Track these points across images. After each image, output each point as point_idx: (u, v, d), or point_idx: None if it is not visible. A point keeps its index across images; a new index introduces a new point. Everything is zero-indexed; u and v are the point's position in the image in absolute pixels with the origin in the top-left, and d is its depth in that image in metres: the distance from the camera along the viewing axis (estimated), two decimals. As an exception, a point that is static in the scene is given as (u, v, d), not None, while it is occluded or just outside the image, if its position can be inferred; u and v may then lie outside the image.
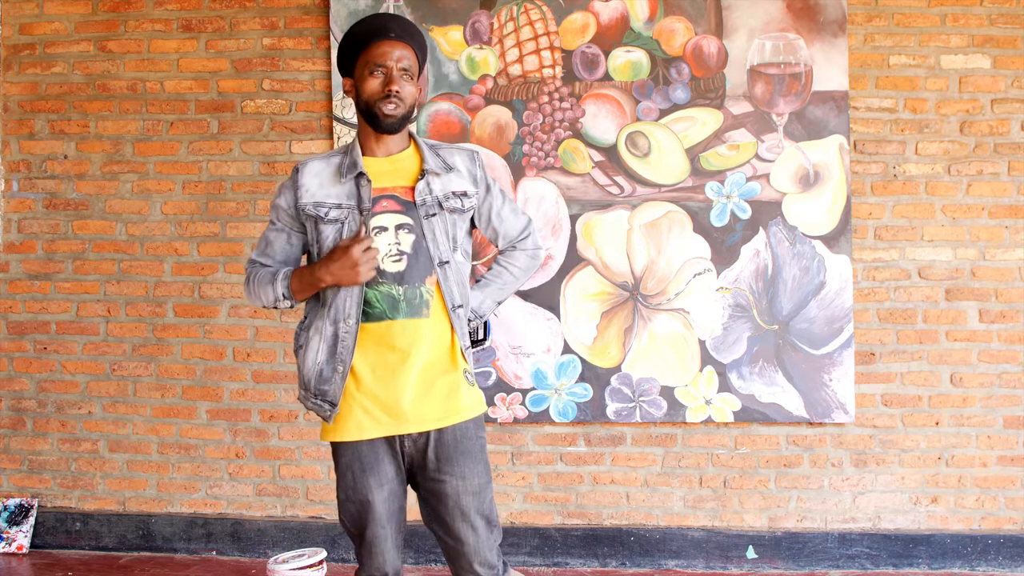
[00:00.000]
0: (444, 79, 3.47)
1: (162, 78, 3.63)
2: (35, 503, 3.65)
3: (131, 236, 3.65)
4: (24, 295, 3.69)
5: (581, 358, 3.45)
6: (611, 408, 3.45)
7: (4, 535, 3.59)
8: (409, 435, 2.06)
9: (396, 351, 2.04)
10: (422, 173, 2.09)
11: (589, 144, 3.45)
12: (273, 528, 3.56)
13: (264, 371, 3.59)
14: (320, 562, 3.14)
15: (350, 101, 3.49)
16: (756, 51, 3.41)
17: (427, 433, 2.06)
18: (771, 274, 3.42)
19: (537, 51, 3.46)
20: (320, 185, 2.10)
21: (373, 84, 2.06)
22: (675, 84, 3.44)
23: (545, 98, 3.46)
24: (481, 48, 3.47)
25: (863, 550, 3.41)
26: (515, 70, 3.47)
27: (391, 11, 3.48)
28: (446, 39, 3.48)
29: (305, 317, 2.16)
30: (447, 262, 2.08)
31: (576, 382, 3.45)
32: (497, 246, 2.29)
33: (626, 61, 3.45)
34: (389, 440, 2.07)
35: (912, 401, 3.44)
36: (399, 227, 2.07)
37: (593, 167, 3.45)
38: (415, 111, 2.13)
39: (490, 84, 3.47)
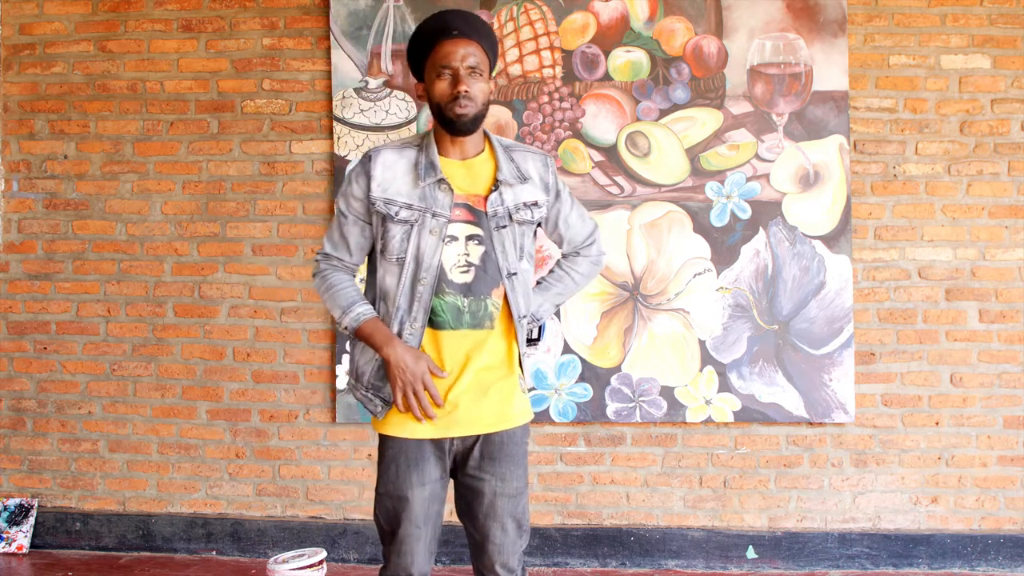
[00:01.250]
0: (444, 79, 3.47)
1: (162, 78, 3.63)
2: (35, 503, 3.65)
3: (131, 236, 3.65)
4: (24, 295, 3.69)
5: (581, 358, 3.45)
6: (611, 408, 3.45)
7: (4, 535, 3.59)
8: (459, 436, 2.07)
9: (454, 359, 2.04)
10: (496, 183, 2.05)
11: (589, 144, 3.45)
12: (273, 528, 3.56)
13: (264, 371, 3.59)
14: (320, 562, 3.14)
15: (351, 101, 3.49)
16: (756, 51, 3.41)
17: (477, 435, 2.07)
18: (771, 274, 3.42)
19: (537, 51, 3.46)
20: (392, 179, 2.04)
21: (441, 86, 2.00)
22: (675, 84, 3.44)
23: (545, 98, 3.46)
24: (481, 48, 3.47)
25: (863, 550, 3.41)
26: (515, 70, 3.47)
27: (391, 11, 3.48)
28: (446, 39, 3.47)
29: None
30: (515, 273, 2.06)
31: (576, 382, 3.45)
32: (561, 249, 2.28)
33: (626, 61, 3.45)
34: (438, 441, 2.06)
35: (912, 401, 3.44)
36: (469, 238, 2.04)
37: (593, 167, 3.45)
38: (488, 109, 2.06)
39: (490, 84, 3.47)
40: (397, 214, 2.02)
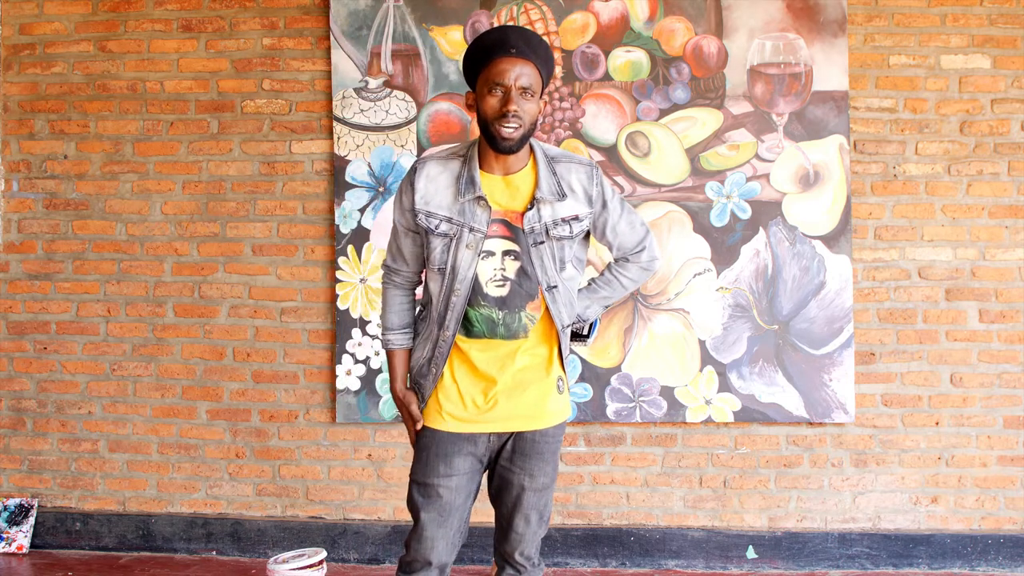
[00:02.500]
0: (444, 79, 3.47)
1: (162, 78, 3.63)
2: (35, 503, 3.65)
3: (131, 236, 3.65)
4: (24, 295, 3.69)
5: (581, 358, 3.45)
6: (611, 408, 3.45)
7: (4, 535, 3.59)
8: (495, 432, 2.14)
9: (492, 363, 2.10)
10: (533, 201, 2.07)
11: (589, 144, 3.45)
12: (273, 528, 3.56)
13: (264, 371, 3.59)
14: (320, 562, 3.14)
15: (351, 101, 3.49)
16: (756, 51, 3.41)
17: (512, 432, 2.14)
18: (771, 274, 3.42)
19: (537, 51, 3.45)
20: (435, 192, 2.08)
21: (491, 103, 2.01)
22: (675, 84, 3.44)
23: (545, 98, 3.45)
24: (481, 48, 3.47)
25: (863, 550, 3.41)
26: (515, 70, 3.46)
27: (391, 11, 3.48)
28: (446, 39, 3.48)
29: (424, 307, 2.21)
30: (555, 286, 2.10)
31: (576, 382, 3.45)
32: (612, 254, 2.29)
33: (626, 61, 3.45)
34: (471, 436, 2.12)
35: (912, 401, 3.44)
36: (506, 253, 2.08)
37: (593, 167, 3.45)
38: (535, 128, 2.08)
39: (490, 84, 3.46)
40: (437, 227, 2.08)
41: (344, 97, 3.50)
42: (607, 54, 3.45)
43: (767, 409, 3.42)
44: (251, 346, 3.60)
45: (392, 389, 2.21)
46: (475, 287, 2.07)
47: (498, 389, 2.10)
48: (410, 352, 2.21)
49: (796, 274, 3.42)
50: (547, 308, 2.12)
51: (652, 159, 3.44)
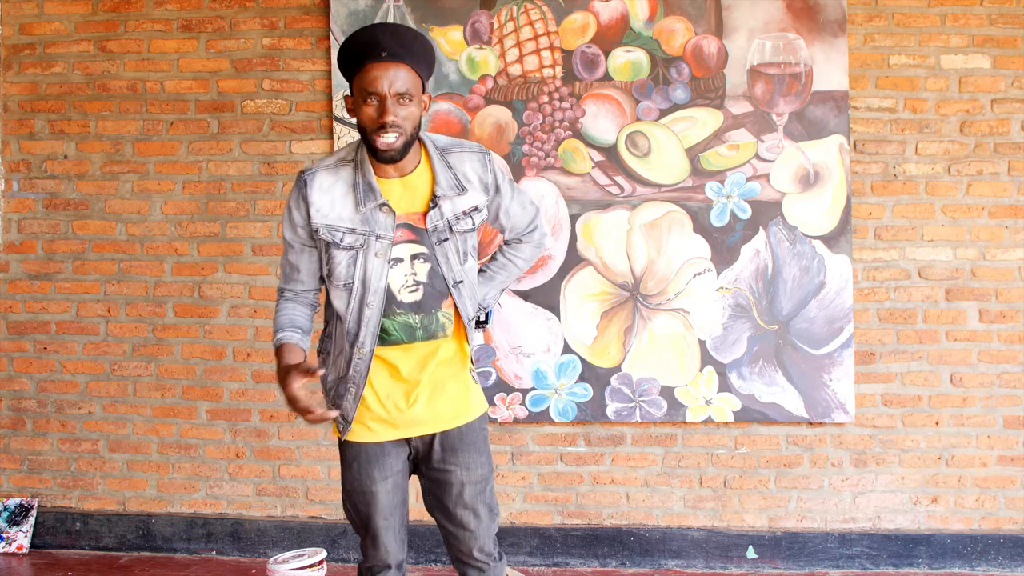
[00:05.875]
0: (444, 79, 3.47)
1: (162, 78, 3.63)
2: (35, 503, 3.65)
3: (131, 236, 3.65)
4: (24, 295, 3.69)
5: (581, 358, 3.45)
6: (611, 408, 3.45)
7: (4, 535, 3.59)
8: (418, 435, 2.11)
9: (414, 366, 2.07)
10: (434, 199, 2.02)
11: (589, 144, 3.45)
12: (273, 528, 3.56)
13: (264, 371, 3.59)
14: (320, 562, 3.13)
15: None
16: (756, 51, 3.41)
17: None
18: (771, 274, 3.42)
19: (537, 51, 3.46)
20: (331, 204, 2.01)
21: (368, 112, 1.93)
22: (675, 84, 3.44)
23: (545, 98, 3.46)
24: (481, 48, 3.47)
25: (863, 550, 3.41)
26: (515, 70, 3.47)
27: (391, 11, 3.48)
28: (446, 39, 3.48)
29: (327, 324, 2.14)
30: (461, 281, 2.07)
31: (576, 382, 3.45)
32: (503, 236, 2.28)
33: (626, 61, 3.45)
34: (396, 439, 2.11)
35: (912, 401, 3.44)
36: (414, 257, 2.03)
37: (593, 167, 3.45)
38: (418, 132, 2.00)
39: (490, 84, 3.47)
40: (342, 240, 2.00)
41: (344, 97, 3.50)
42: (607, 54, 3.45)
43: (767, 409, 3.42)
44: (251, 346, 3.60)
45: (280, 379, 2.00)
46: (388, 296, 2.01)
47: (418, 390, 2.07)
48: (303, 351, 2.08)
49: (796, 274, 3.42)
50: (455, 307, 2.08)
51: (652, 159, 3.44)
